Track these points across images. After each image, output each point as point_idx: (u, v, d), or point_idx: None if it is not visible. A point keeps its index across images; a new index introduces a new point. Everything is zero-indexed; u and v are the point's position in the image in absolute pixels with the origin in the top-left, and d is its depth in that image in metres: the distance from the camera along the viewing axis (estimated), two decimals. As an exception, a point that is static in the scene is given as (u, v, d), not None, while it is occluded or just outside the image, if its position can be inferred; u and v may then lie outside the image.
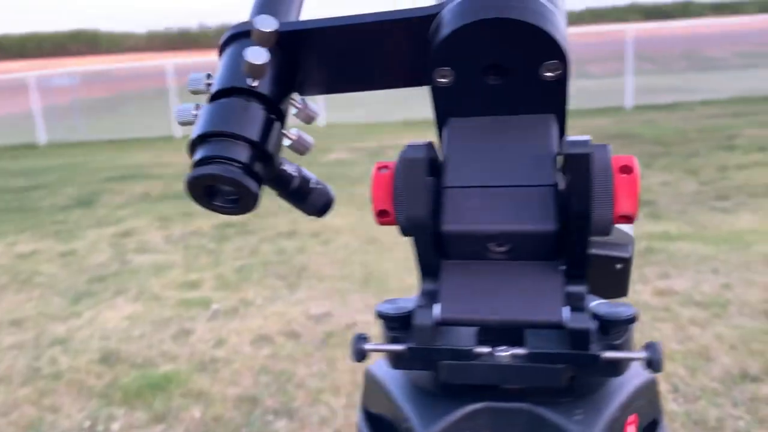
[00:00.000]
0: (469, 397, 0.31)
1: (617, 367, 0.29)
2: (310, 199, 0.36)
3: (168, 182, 6.70)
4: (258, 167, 0.32)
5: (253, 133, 0.31)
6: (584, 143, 0.27)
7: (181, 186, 6.35)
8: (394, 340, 0.32)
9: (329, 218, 4.94)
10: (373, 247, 4.13)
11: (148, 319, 3.29)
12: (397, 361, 0.32)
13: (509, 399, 0.31)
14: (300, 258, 4.05)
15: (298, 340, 2.94)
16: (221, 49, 0.36)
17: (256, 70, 0.31)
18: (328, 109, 10.96)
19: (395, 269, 3.71)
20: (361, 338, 0.32)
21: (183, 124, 0.36)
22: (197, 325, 3.18)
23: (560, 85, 0.32)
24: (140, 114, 12.46)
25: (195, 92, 0.36)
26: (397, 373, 0.35)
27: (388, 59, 0.35)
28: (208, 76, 0.36)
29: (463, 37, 0.31)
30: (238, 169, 0.31)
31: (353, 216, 4.86)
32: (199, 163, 0.32)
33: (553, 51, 0.31)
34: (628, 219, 0.28)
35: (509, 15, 0.30)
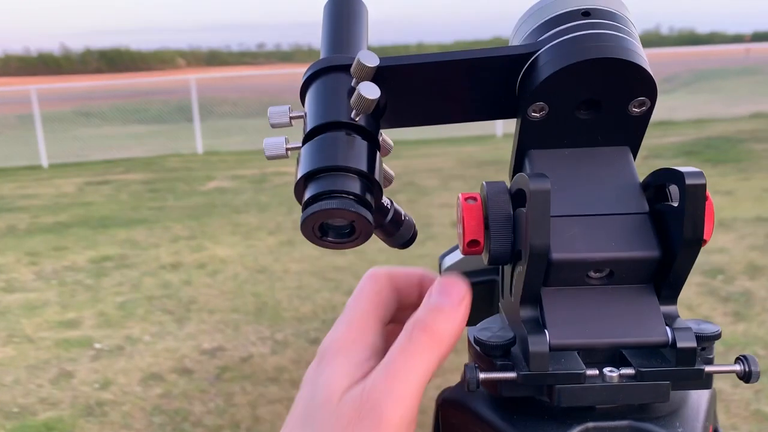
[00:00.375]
0: (571, 418, 0.32)
1: (710, 381, 0.32)
2: (400, 231, 0.35)
3: (35, 214, 6.25)
4: (369, 197, 0.31)
5: (362, 164, 0.32)
6: (700, 174, 0.30)
7: (51, 218, 5.95)
8: (502, 368, 0.33)
9: (214, 248, 4.76)
10: (264, 277, 4.07)
11: (22, 364, 3.04)
12: (506, 388, 0.32)
13: (608, 418, 0.32)
14: (187, 291, 3.91)
15: (191, 377, 2.83)
16: (305, 86, 0.36)
17: (366, 105, 0.31)
18: (205, 135, 10.69)
19: (288, 298, 3.67)
20: (475, 367, 0.32)
21: (272, 158, 0.35)
22: (79, 367, 2.98)
23: (645, 119, 0.35)
24: (1, 142, 11.54)
25: (277, 126, 0.36)
26: (484, 401, 0.36)
27: (476, 94, 0.36)
28: (290, 108, 0.36)
29: (563, 77, 0.32)
30: (352, 200, 0.31)
31: (240, 246, 4.77)
32: (312, 201, 0.31)
33: (645, 87, 0.33)
34: (705, 242, 0.32)
35: (608, 54, 0.32)
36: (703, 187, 0.30)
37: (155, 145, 11.13)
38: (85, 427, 2.46)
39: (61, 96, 17.10)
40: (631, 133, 0.35)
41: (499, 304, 0.39)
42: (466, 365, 0.32)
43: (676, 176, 0.31)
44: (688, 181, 0.30)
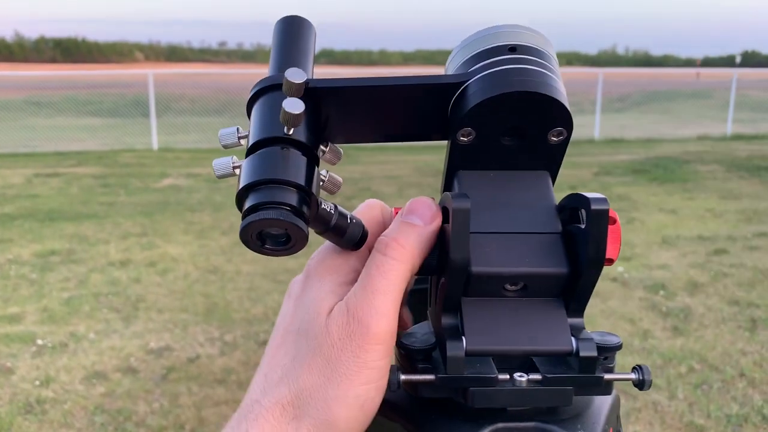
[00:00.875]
0: (483, 419, 0.35)
1: (610, 387, 0.36)
2: (348, 234, 0.37)
3: (-22, 205, 6.06)
4: (305, 208, 0.33)
5: (295, 176, 0.33)
6: (604, 201, 0.33)
7: (-5, 209, 5.77)
8: (422, 371, 0.35)
9: (165, 247, 4.70)
10: (215, 277, 4.03)
11: (-41, 358, 2.95)
12: (424, 389, 0.35)
13: (517, 419, 0.35)
14: (135, 288, 3.85)
15: (136, 376, 2.80)
16: (250, 103, 0.38)
17: (290, 119, 0.33)
18: (161, 131, 10.53)
19: (239, 300, 3.65)
20: (397, 369, 0.35)
21: (222, 177, 0.36)
22: (19, 363, 2.91)
23: (562, 147, 0.38)
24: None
25: (227, 147, 0.38)
26: (406, 401, 0.38)
27: (412, 118, 0.39)
28: (238, 129, 0.38)
29: (489, 106, 0.36)
30: (288, 211, 0.33)
31: (193, 245, 4.72)
32: (250, 211, 0.33)
33: (562, 119, 0.37)
34: (611, 262, 0.36)
35: (531, 89, 0.36)
36: (607, 212, 0.33)
37: (109, 139, 10.90)
38: (23, 426, 2.40)
39: (12, 84, 16.61)
40: (550, 159, 0.39)
41: (428, 311, 0.42)
42: (390, 367, 0.35)
43: (584, 201, 0.34)
44: (593, 207, 0.33)
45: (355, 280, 0.37)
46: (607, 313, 3.44)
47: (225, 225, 5.26)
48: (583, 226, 0.35)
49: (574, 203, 0.36)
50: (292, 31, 0.41)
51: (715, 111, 15.22)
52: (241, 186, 0.34)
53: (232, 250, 4.58)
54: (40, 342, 3.13)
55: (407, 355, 0.36)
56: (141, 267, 4.23)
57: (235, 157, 0.36)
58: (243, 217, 0.33)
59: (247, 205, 0.33)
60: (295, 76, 0.34)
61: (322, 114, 0.38)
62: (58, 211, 5.77)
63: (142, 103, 11.46)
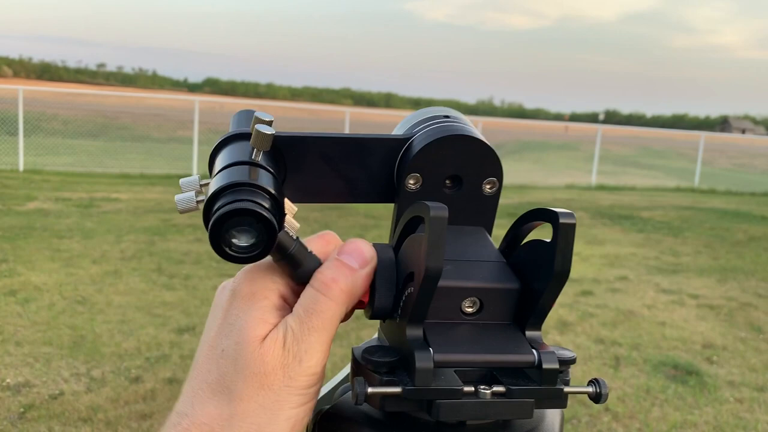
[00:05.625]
0: None
1: (566, 400, 0.37)
2: (303, 268, 0.37)
3: None
4: (274, 212, 0.33)
5: (269, 185, 0.34)
6: (571, 215, 0.35)
7: None
8: (388, 383, 0.34)
9: (27, 274, 4.37)
10: (84, 308, 3.78)
11: None
12: (390, 403, 0.34)
13: None
14: (-9, 319, 3.53)
15: (-12, 415, 2.54)
16: (215, 152, 0.39)
17: (265, 140, 0.35)
18: (28, 152, 9.85)
19: (110, 332, 3.44)
20: (364, 382, 0.34)
21: (185, 211, 0.36)
22: None
23: (495, 200, 0.42)
24: None
25: (186, 190, 0.37)
26: (362, 419, 0.37)
27: (362, 174, 0.42)
28: (201, 177, 0.37)
29: (432, 150, 0.40)
30: (260, 204, 0.33)
31: (59, 273, 4.40)
32: (223, 205, 0.32)
33: (494, 168, 0.41)
34: None
35: (467, 133, 0.40)
36: (574, 227, 0.35)
37: (-33, 156, 10.05)
38: None
39: None
40: (485, 213, 0.42)
41: (379, 328, 0.42)
42: (355, 378, 0.35)
43: (551, 215, 0.36)
44: (562, 220, 0.35)
45: (284, 308, 0.38)
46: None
47: (96, 253, 4.96)
48: (548, 240, 0.36)
49: (536, 218, 0.38)
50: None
51: (582, 162, 16.38)
52: (212, 190, 0.34)
53: (103, 279, 4.32)
54: None
55: (372, 369, 0.36)
56: (-1, 296, 3.89)
57: (197, 191, 0.37)
58: (214, 213, 0.33)
59: (219, 203, 0.33)
60: (263, 115, 0.36)
61: (281, 167, 0.40)
62: None
63: (8, 121, 10.69)
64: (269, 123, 0.36)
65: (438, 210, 0.33)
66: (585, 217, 8.61)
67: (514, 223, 0.40)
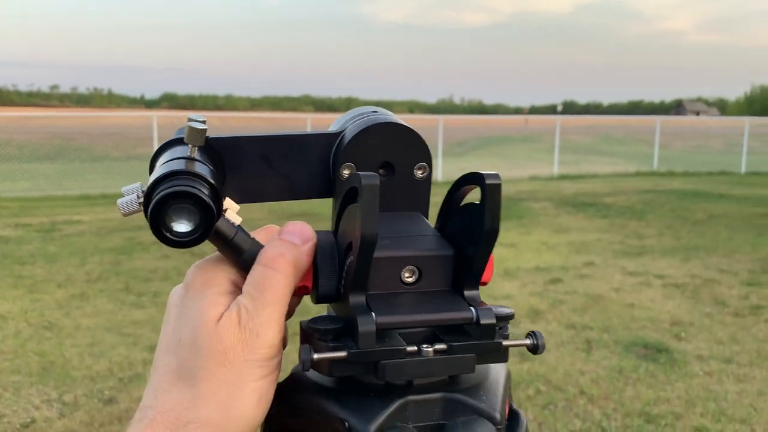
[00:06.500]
0: (392, 394, 0.36)
1: (507, 355, 0.39)
2: (246, 254, 0.38)
3: None
4: (213, 197, 0.34)
5: (206, 174, 0.35)
6: (497, 176, 0.37)
7: None
8: (334, 349, 0.35)
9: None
10: (51, 333, 3.70)
11: None
12: (337, 367, 0.35)
13: (424, 392, 0.37)
14: (-45, 352, 3.43)
15: (-42, 449, 2.48)
16: (154, 159, 0.40)
17: (197, 134, 0.36)
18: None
19: (80, 356, 3.38)
20: (310, 349, 0.35)
21: (129, 214, 0.37)
22: None
23: (427, 184, 0.44)
24: None
25: (128, 194, 0.37)
26: (313, 389, 0.38)
27: (299, 171, 0.43)
28: (143, 184, 0.38)
29: (363, 139, 0.42)
30: (199, 188, 0.34)
31: (24, 300, 4.31)
32: (164, 189, 0.33)
33: (423, 154, 0.44)
34: (484, 284, 0.40)
35: (395, 121, 0.43)
36: (500, 186, 0.37)
37: None
38: None
39: None
40: (419, 197, 0.44)
41: (329, 307, 0.44)
42: (301, 346, 0.36)
43: (478, 178, 0.38)
44: (488, 181, 0.37)
45: (235, 292, 0.38)
46: (459, 344, 3.57)
47: (61, 277, 4.87)
48: (478, 203, 0.38)
49: (467, 182, 0.40)
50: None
51: (543, 154, 16.60)
52: (151, 181, 0.35)
53: (69, 303, 4.24)
54: None
55: (318, 336, 0.37)
56: (-39, 327, 3.79)
57: (138, 193, 0.38)
58: (155, 197, 0.34)
59: (161, 188, 0.34)
60: (196, 116, 0.37)
61: (220, 170, 0.41)
62: None
63: (-40, 149, 10.42)
64: (202, 122, 0.37)
65: (369, 178, 0.34)
66: (549, 206, 8.74)
67: (448, 192, 0.42)
